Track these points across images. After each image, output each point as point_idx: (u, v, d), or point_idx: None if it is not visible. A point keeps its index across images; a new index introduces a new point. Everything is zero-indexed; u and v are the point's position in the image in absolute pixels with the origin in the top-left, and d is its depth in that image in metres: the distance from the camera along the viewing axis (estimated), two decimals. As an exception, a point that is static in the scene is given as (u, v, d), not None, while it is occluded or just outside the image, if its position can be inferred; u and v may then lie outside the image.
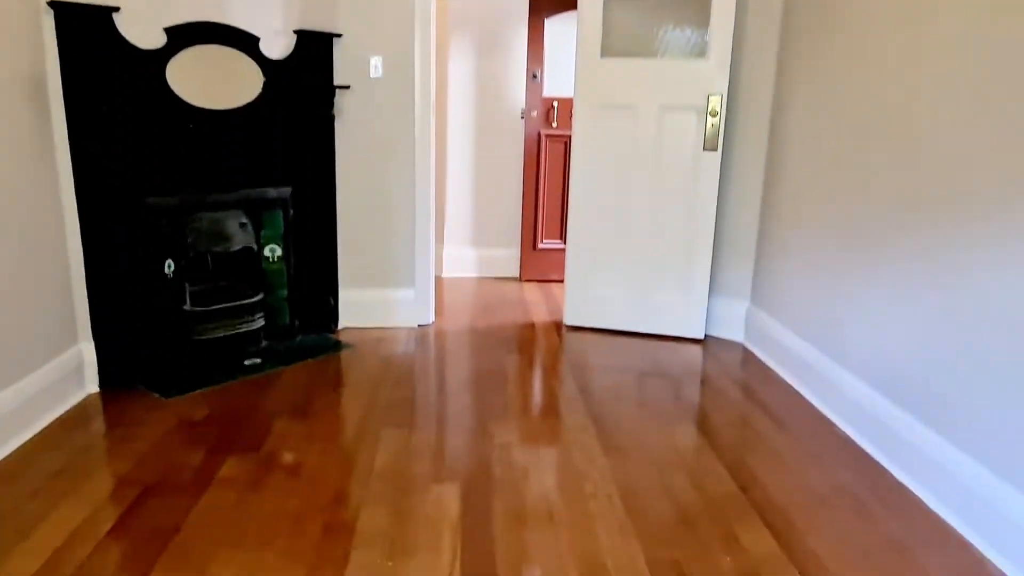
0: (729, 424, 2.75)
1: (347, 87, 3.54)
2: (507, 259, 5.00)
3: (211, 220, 3.25)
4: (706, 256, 3.62)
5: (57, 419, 2.62)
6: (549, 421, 2.74)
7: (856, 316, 2.69)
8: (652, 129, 3.57)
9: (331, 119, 3.53)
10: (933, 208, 2.23)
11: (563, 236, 4.83)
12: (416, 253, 3.79)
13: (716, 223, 3.64)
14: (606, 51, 3.59)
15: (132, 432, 2.54)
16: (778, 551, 1.93)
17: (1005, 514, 1.88)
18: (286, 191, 3.45)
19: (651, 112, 3.55)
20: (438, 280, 4.92)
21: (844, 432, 2.70)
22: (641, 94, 3.55)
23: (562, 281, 4.80)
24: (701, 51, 3.48)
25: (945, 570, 1.87)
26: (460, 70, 4.74)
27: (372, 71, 3.57)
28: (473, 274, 5.03)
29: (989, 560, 1.92)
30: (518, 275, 4.98)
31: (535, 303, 4.43)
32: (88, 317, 2.83)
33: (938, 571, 1.87)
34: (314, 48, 3.41)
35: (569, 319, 3.91)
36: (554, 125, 4.68)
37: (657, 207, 3.64)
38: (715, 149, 3.50)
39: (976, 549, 1.97)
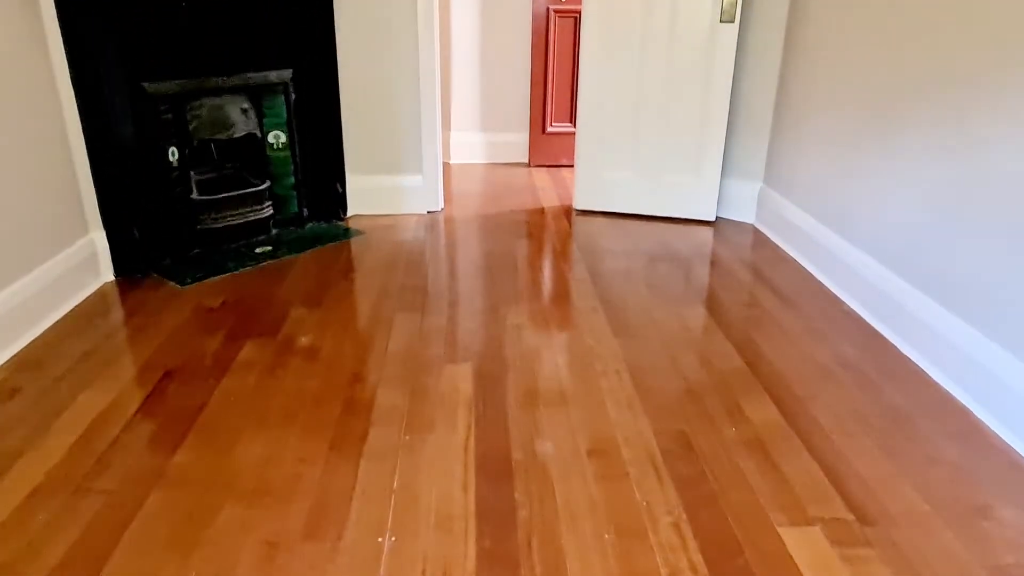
0: (737, 303, 2.77)
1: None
2: (516, 144, 4.91)
3: (212, 106, 3.18)
4: (719, 136, 3.53)
5: (76, 307, 2.67)
6: (560, 304, 2.76)
7: (867, 190, 2.65)
8: (666, 0, 3.40)
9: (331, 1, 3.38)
10: (962, 74, 2.15)
11: (573, 119, 4.71)
12: (423, 138, 3.72)
13: (731, 101, 3.53)
14: None
15: (150, 319, 2.59)
16: (781, 421, 1.99)
17: (1003, 380, 1.91)
18: (287, 74, 3.35)
19: (665, -19, 3.37)
20: (446, 167, 4.86)
21: (850, 307, 2.72)
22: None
23: (572, 166, 4.72)
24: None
25: (943, 435, 1.93)
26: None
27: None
28: (482, 160, 4.95)
29: (986, 425, 1.98)
30: (527, 160, 4.90)
31: (545, 188, 4.38)
32: (97, 207, 2.83)
33: (937, 436, 1.93)
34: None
35: (579, 203, 3.88)
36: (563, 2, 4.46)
37: (671, 84, 3.52)
38: (732, 20, 3.34)
39: (974, 416, 2.02)
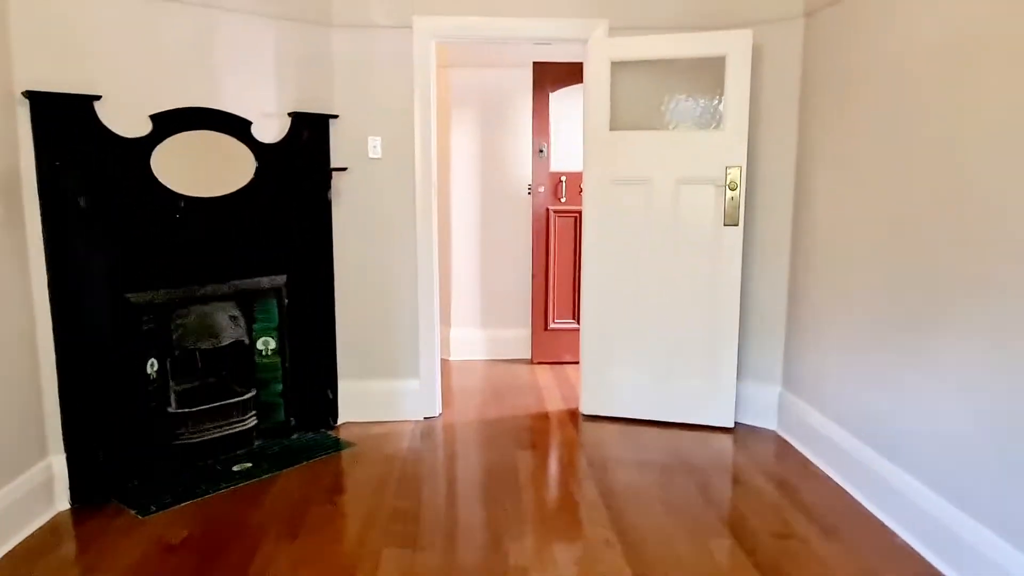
0: (770, 532, 2.44)
1: (344, 169, 3.38)
2: (518, 341, 4.76)
3: (199, 314, 3.04)
4: (732, 338, 3.36)
5: (21, 543, 2.35)
6: (569, 534, 2.44)
7: (906, 404, 2.41)
8: (668, 204, 3.37)
9: (328, 203, 3.35)
10: (1004, 280, 1.99)
11: (576, 316, 4.60)
12: (420, 340, 3.56)
13: (741, 302, 3.40)
14: (615, 124, 3.43)
15: (102, 559, 2.26)
16: None
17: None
18: (280, 279, 3.24)
19: (666, 186, 3.36)
20: (445, 364, 4.67)
21: (903, 539, 2.38)
22: (655, 167, 3.37)
23: (576, 363, 4.53)
24: (716, 121, 3.31)
25: None
26: (463, 146, 4.61)
27: (371, 152, 3.42)
28: (482, 357, 4.78)
29: None
30: (529, 357, 4.72)
31: (548, 388, 4.16)
32: (60, 427, 2.59)
33: None
34: (310, 130, 3.26)
35: (586, 407, 3.64)
36: (563, 200, 4.51)
37: (677, 286, 3.41)
38: (736, 224, 3.29)
39: None
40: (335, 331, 3.48)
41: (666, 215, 3.38)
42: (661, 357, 3.47)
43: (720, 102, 3.28)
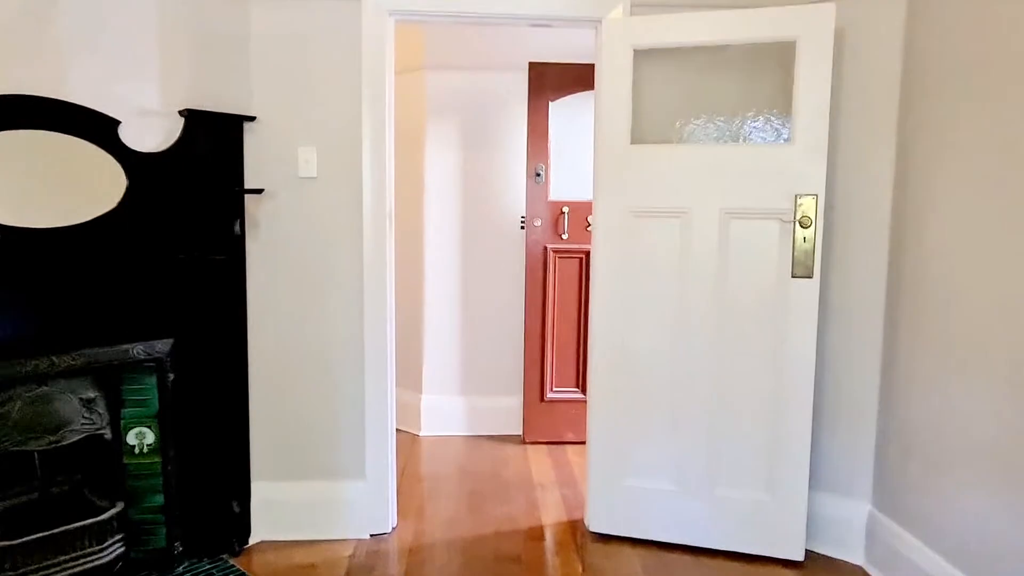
0: None
1: (262, 191, 2.44)
2: (506, 412, 3.77)
3: (31, 400, 2.07)
4: (802, 433, 2.39)
5: None
6: None
7: None
8: (712, 245, 2.42)
9: (238, 238, 2.41)
10: None
11: (581, 384, 3.62)
12: (368, 427, 2.59)
13: (816, 383, 2.42)
14: (639, 135, 2.50)
15: None
16: None
17: None
18: (162, 346, 2.28)
19: (710, 220, 2.42)
20: (414, 442, 3.68)
21: None
22: (694, 194, 2.43)
23: (580, 443, 3.55)
24: (781, 133, 2.38)
25: None
26: (441, 167, 3.67)
27: (302, 168, 2.48)
28: (461, 432, 3.79)
29: None
30: (521, 434, 3.73)
31: (545, 484, 3.16)
32: None
33: None
34: (212, 136, 2.33)
35: (595, 522, 2.64)
36: (564, 237, 3.56)
37: (724, 359, 2.44)
38: (809, 275, 2.33)
39: None
40: (247, 415, 2.51)
41: (709, 260, 2.43)
42: (701, 456, 2.49)
43: (790, 106, 2.35)
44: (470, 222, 3.71)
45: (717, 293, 2.44)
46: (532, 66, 3.48)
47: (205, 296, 2.34)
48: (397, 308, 3.84)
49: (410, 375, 3.81)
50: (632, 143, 2.48)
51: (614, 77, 2.47)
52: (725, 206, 2.40)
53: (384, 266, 2.55)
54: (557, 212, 3.56)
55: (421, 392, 3.78)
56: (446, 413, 3.78)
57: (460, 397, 3.79)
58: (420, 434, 3.78)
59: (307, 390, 2.56)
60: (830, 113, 2.32)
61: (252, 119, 2.41)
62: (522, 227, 3.62)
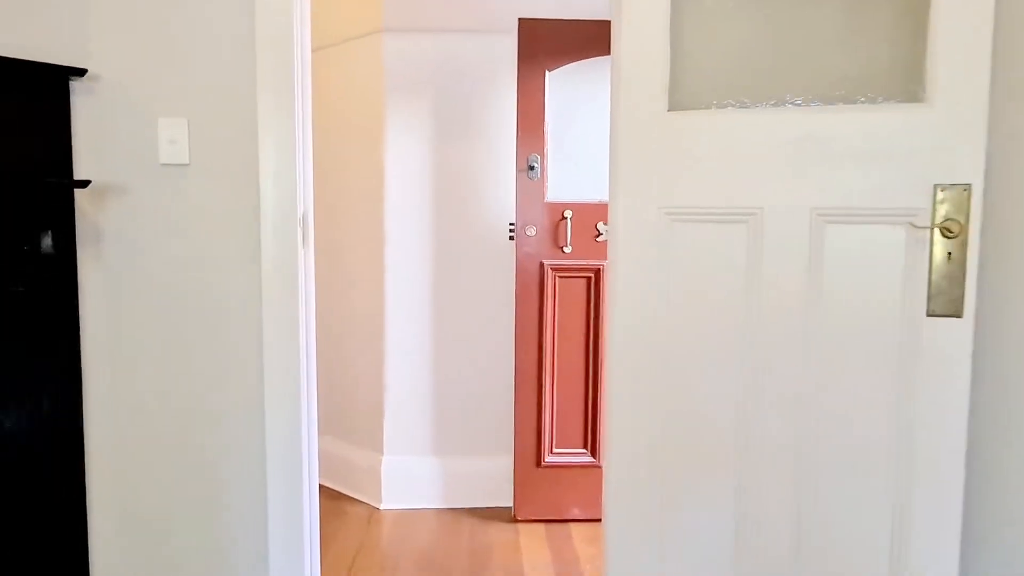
0: None
1: (87, 183, 1.58)
2: (492, 478, 2.90)
3: None
4: (948, 542, 1.52)
5: None
6: None
7: None
8: (796, 263, 1.56)
9: (55, 259, 1.55)
10: None
11: (590, 445, 2.75)
12: (270, 530, 1.72)
13: (967, 472, 1.54)
14: (681, 98, 1.64)
15: None
16: None
17: None
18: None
19: (792, 226, 1.55)
20: (371, 520, 2.82)
21: None
22: (767, 186, 1.57)
23: (593, 520, 2.69)
24: (910, 89, 1.52)
25: None
26: (405, 162, 2.82)
27: (165, 149, 1.63)
28: (434, 503, 2.92)
29: None
30: (511, 507, 2.85)
31: (541, 590, 2.30)
32: None
33: None
34: (18, 97, 1.48)
35: (615, 673, 1.76)
36: (566, 250, 2.70)
37: (820, 429, 1.58)
38: (957, 312, 1.47)
39: None
40: (86, 514, 1.65)
41: (792, 284, 1.57)
42: (780, 568, 1.62)
43: (925, 47, 1.49)
44: (444, 232, 2.85)
45: (803, 333, 1.57)
46: (522, 24, 2.63)
47: (11, 346, 1.49)
48: (349, 341, 2.99)
49: (367, 430, 2.95)
50: (671, 109, 1.62)
51: (643, 19, 1.62)
52: (818, 204, 1.54)
53: (294, 295, 1.69)
54: (556, 217, 2.70)
55: (382, 452, 2.91)
56: (414, 479, 2.91)
57: (432, 458, 2.92)
58: (381, 507, 2.91)
59: (177, 480, 1.71)
60: (991, 59, 1.46)
61: (82, 73, 1.56)
62: (511, 237, 2.76)
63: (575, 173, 2.73)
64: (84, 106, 1.58)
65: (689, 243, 1.63)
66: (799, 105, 1.59)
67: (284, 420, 1.71)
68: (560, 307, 2.73)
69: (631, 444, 1.69)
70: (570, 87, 2.70)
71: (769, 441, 1.60)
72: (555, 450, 2.76)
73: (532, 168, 2.67)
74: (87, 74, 1.56)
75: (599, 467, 2.72)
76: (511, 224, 2.76)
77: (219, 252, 1.66)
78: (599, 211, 2.67)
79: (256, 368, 1.67)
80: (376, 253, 2.86)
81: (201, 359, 1.67)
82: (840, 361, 1.55)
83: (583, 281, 2.72)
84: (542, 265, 2.70)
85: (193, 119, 1.62)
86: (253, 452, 1.69)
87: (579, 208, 2.70)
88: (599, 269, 2.67)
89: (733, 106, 1.62)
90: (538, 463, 2.75)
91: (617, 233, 1.68)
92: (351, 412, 3.05)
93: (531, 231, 2.70)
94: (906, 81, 1.54)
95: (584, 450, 2.75)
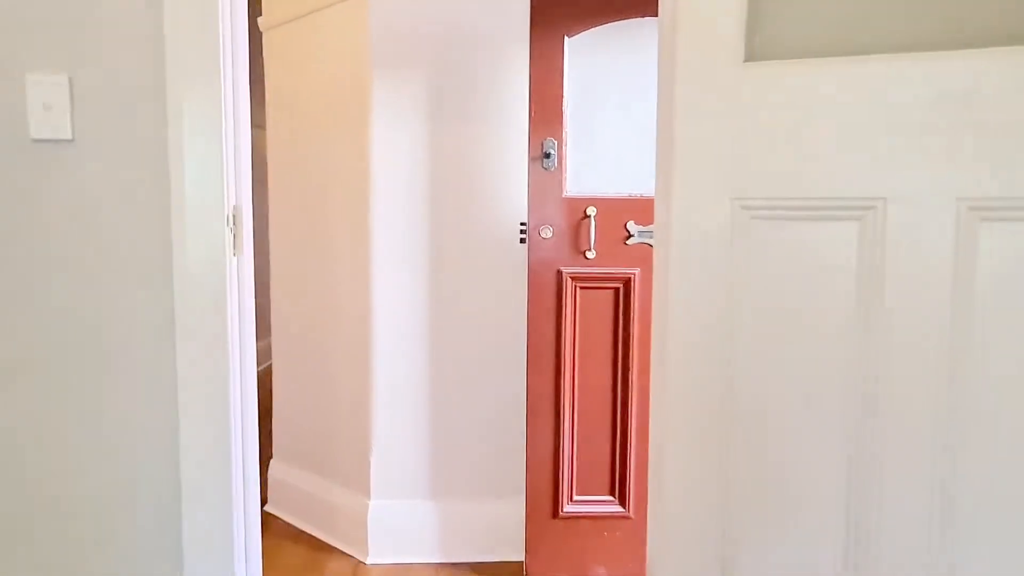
0: None
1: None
2: (498, 526, 2.43)
3: None
4: None
5: None
6: None
7: None
8: (935, 275, 1.08)
9: None
10: None
11: (618, 490, 2.27)
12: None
13: None
14: (763, 44, 1.16)
15: None
16: None
17: None
18: None
19: (927, 223, 1.08)
20: (357, 573, 2.36)
21: None
22: (889, 168, 1.09)
23: (617, 585, 2.23)
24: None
25: None
26: (396, 150, 2.36)
27: (36, 118, 1.17)
28: (431, 557, 2.45)
29: None
30: (522, 562, 2.38)
31: None
32: None
33: None
34: None
35: None
36: (590, 255, 2.23)
37: (974, 517, 1.09)
38: None
39: None
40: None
41: (929, 305, 1.09)
42: None
43: None
44: (442, 234, 2.39)
45: (949, 378, 1.09)
46: (536, -20, 2.16)
47: None
48: (333, 361, 2.54)
49: (352, 468, 2.49)
50: (747, 60, 1.15)
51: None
52: (968, 193, 1.06)
53: (219, 316, 1.22)
54: (577, 215, 2.23)
55: (369, 496, 2.45)
56: (407, 528, 2.44)
57: (428, 502, 2.46)
58: (367, 561, 2.44)
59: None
60: None
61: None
62: (522, 240, 2.29)
63: (600, 162, 2.26)
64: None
65: (774, 248, 1.16)
66: (937, 54, 1.11)
67: (209, 476, 1.25)
68: (581, 323, 2.26)
69: (688, 513, 1.21)
70: (595, 56, 2.22)
71: (896, 521, 1.12)
72: (576, 497, 2.28)
73: (548, 156, 2.20)
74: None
75: (629, 518, 2.25)
76: (522, 224, 2.30)
77: (114, 261, 1.20)
78: (629, 207, 2.20)
79: (164, 422, 1.21)
80: (361, 259, 2.40)
81: (91, 401, 1.22)
82: (1006, 416, 1.07)
83: (609, 293, 2.24)
84: (560, 273, 2.23)
85: (78, 77, 1.16)
86: (163, 507, 1.23)
87: (605, 204, 2.23)
88: (629, 279, 2.20)
89: (838, 55, 1.14)
90: (555, 513, 2.28)
91: (670, 235, 1.21)
92: (334, 445, 2.59)
93: (546, 232, 2.22)
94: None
95: (611, 497, 2.27)
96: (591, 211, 2.22)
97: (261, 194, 2.43)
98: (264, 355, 4.46)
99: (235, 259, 1.24)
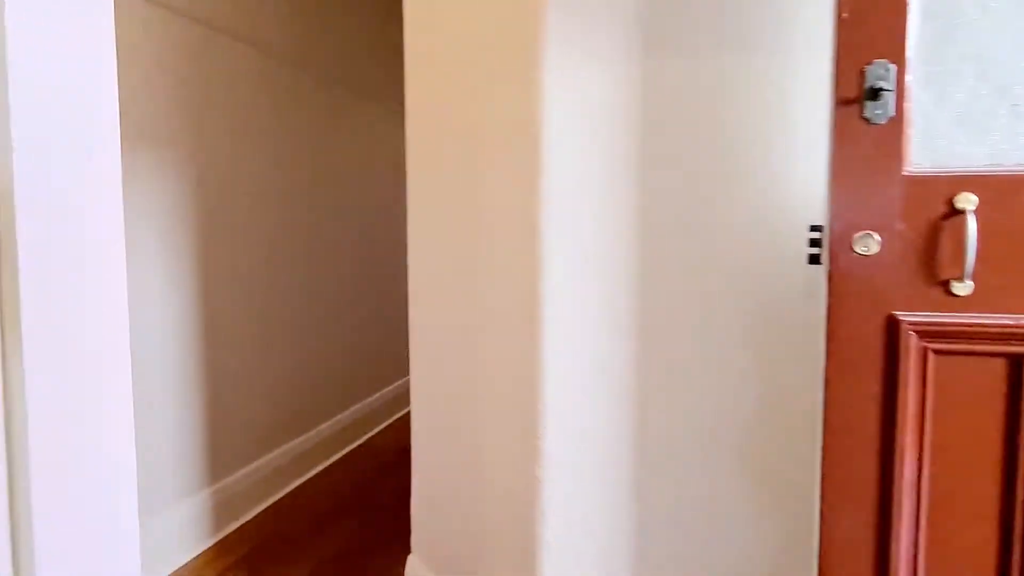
0: None
1: None
2: None
3: None
4: None
5: None
6: None
7: None
8: None
9: None
10: None
11: None
12: None
13: None
14: None
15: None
16: None
17: None
18: None
19: None
20: None
21: None
22: None
23: None
24: None
25: None
26: (580, 96, 1.40)
27: None
28: None
29: None
30: None
31: None
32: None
33: None
34: None
35: None
36: (959, 288, 1.13)
37: None
38: None
39: None
40: None
41: None
42: None
43: None
44: (657, 244, 1.40)
45: None
46: None
47: None
48: (483, 415, 1.65)
49: (511, 573, 1.58)
50: None
51: None
52: None
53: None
54: (935, 211, 1.15)
55: (530, 665, 1.52)
56: None
57: None
58: None
59: None
60: None
61: None
62: (813, 257, 1.25)
63: (982, 107, 1.16)
64: None
65: None
66: None
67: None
68: (938, 418, 1.17)
69: None
70: None
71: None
72: None
73: (876, 95, 1.14)
74: None
75: None
76: (814, 227, 1.25)
77: None
78: (1058, 194, 1.09)
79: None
80: (528, 268, 1.48)
81: None
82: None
83: (999, 364, 1.14)
84: (894, 323, 1.16)
85: None
86: None
87: (995, 190, 1.13)
88: (1054, 339, 1.09)
89: None
90: None
91: None
92: (478, 541, 1.70)
93: (868, 244, 1.17)
94: None
95: None
96: (965, 203, 1.13)
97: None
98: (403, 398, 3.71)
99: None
